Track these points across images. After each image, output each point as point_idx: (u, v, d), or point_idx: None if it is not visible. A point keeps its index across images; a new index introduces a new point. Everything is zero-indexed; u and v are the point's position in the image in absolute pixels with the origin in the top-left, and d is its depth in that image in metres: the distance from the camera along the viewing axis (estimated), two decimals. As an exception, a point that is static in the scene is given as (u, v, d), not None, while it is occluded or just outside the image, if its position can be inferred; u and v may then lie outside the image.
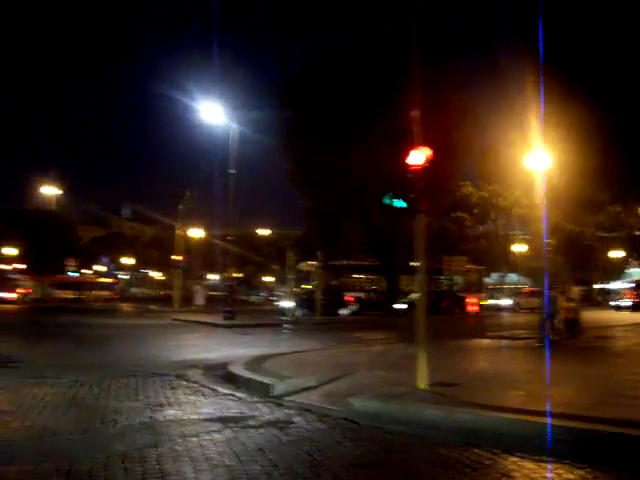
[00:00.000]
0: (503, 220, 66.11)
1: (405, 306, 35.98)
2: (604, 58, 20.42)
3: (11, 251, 69.78)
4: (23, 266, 69.74)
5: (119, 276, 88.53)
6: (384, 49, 32.91)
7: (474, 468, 5.52)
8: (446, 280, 45.16)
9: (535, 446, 6.00)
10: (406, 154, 8.88)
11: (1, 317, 34.04)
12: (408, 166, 8.84)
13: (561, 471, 5.42)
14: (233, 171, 30.25)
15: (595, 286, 71.34)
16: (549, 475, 5.34)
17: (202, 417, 7.59)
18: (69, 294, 61.54)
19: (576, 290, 20.74)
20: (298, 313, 32.83)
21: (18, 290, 59.50)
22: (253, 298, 75.72)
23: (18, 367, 12.35)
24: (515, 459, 5.77)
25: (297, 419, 7.48)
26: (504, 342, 18.63)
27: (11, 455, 5.84)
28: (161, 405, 8.31)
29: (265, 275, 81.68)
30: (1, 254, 70.53)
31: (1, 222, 72.26)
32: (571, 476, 5.29)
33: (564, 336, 18.65)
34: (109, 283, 70.62)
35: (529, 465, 5.57)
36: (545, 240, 20.84)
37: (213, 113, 29.92)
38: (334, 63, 34.50)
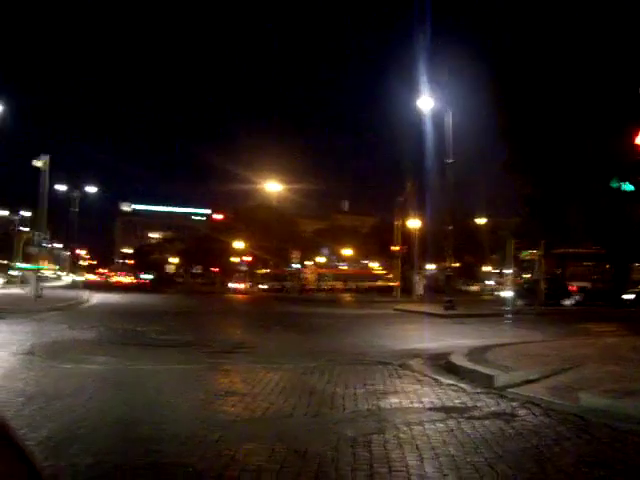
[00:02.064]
0: None
1: (635, 297, 33.74)
2: None
3: (240, 245, 74.71)
4: (249, 258, 74.54)
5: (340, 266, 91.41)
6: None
7: None
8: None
9: None
10: (635, 135, 8.38)
11: (234, 305, 36.57)
12: (638, 147, 8.33)
13: None
14: (450, 160, 30.12)
15: None
16: None
17: (426, 406, 7.71)
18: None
19: None
20: (519, 303, 31.99)
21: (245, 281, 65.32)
22: (472, 288, 74.72)
23: (250, 352, 13.30)
24: None
25: (522, 412, 7.35)
26: None
27: (250, 433, 6.34)
28: (386, 393, 8.54)
29: (484, 265, 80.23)
30: (232, 249, 75.80)
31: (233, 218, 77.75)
32: None
33: None
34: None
35: None
36: None
37: (428, 101, 30.01)
38: (551, 41, 32.93)
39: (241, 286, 72.65)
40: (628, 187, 8.81)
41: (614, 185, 8.99)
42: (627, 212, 27.49)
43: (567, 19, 30.99)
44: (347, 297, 56.89)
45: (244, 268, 79.04)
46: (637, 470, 5.39)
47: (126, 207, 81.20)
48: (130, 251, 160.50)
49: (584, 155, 28.83)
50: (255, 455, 5.54)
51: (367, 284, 70.65)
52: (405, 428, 6.51)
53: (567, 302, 34.59)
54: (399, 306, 34.25)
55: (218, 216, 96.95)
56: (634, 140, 8.36)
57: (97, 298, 39.74)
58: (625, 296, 35.00)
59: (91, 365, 10.91)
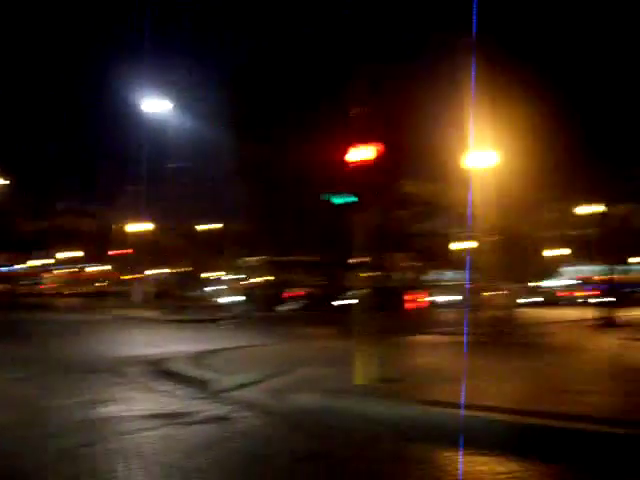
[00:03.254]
0: (445, 218, 67.00)
1: (347, 302, 36.03)
2: (545, 56, 20.87)
3: None
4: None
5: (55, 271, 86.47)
6: (333, 44, 32.91)
7: (414, 462, 5.57)
8: (387, 276, 45.46)
9: (471, 440, 6.06)
10: (348, 150, 8.89)
11: None
12: (350, 162, 8.85)
13: (493, 464, 5.50)
14: (175, 165, 30.10)
15: (534, 284, 72.83)
16: (482, 468, 5.42)
17: (140, 414, 7.45)
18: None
19: (507, 288, 21.19)
20: (241, 309, 32.69)
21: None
22: (196, 293, 74.88)
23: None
24: (450, 453, 5.83)
25: (237, 415, 7.41)
26: (443, 338, 18.87)
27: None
28: (99, 402, 8.13)
29: (209, 270, 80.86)
30: None
31: None
32: (502, 468, 5.37)
33: (495, 332, 19.05)
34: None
35: (463, 458, 5.65)
36: (484, 238, 21.15)
37: (156, 106, 29.64)
38: (281, 56, 34.36)
39: None
40: (339, 200, 9.33)
41: (327, 198, 9.49)
42: (341, 223, 29.27)
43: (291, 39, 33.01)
44: (65, 302, 54.03)
45: None
46: (342, 462, 5.67)
47: None
48: None
49: (302, 167, 30.26)
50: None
51: (87, 288, 67.51)
52: (117, 438, 6.24)
53: (286, 308, 35.95)
54: (119, 312, 33.21)
55: None
56: (343, 156, 8.85)
57: None
58: (339, 302, 37.27)
59: None
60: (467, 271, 22.19)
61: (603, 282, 27.51)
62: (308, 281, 41.97)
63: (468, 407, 6.98)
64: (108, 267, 61.97)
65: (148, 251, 52.10)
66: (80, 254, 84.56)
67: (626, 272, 62.58)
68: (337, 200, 9.37)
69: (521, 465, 5.45)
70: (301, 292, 39.05)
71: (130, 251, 51.23)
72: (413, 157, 41.97)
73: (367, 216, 9.71)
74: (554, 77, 20.81)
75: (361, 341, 8.71)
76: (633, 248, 64.05)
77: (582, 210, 31.54)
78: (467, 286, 19.20)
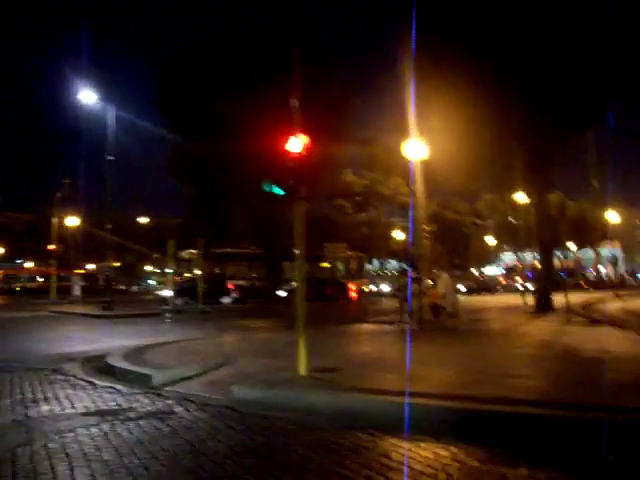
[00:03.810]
0: (385, 208, 67.72)
1: (288, 293, 36.14)
2: (481, 47, 21.25)
3: None
4: None
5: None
6: (268, 36, 32.95)
7: (354, 450, 5.64)
8: (328, 267, 45.69)
9: (412, 426, 6.17)
10: (285, 141, 8.90)
11: None
12: (288, 153, 8.86)
13: (436, 449, 5.62)
14: (112, 158, 29.56)
15: (474, 271, 74.30)
16: (425, 453, 5.52)
17: (79, 411, 7.36)
18: None
19: (446, 276, 21.59)
20: (180, 302, 32.35)
21: None
22: (134, 288, 74.02)
23: None
24: (394, 440, 5.93)
25: (178, 409, 7.40)
26: (383, 327, 19.09)
27: None
28: (36, 401, 8.00)
29: (146, 264, 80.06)
30: None
31: None
32: (446, 453, 5.49)
33: (435, 319, 19.44)
34: None
35: (406, 445, 5.74)
36: (423, 227, 21.45)
37: (90, 97, 29.10)
38: (215, 47, 34.26)
39: None
40: (278, 191, 9.32)
41: (267, 188, 9.43)
42: (280, 214, 29.31)
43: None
44: (1, 299, 52.62)
45: None
46: (283, 453, 5.71)
47: None
48: None
49: (241, 159, 30.15)
50: None
51: (21, 284, 65.74)
52: (56, 437, 6.14)
53: (226, 300, 35.81)
54: (56, 308, 32.56)
55: None
56: (284, 146, 8.86)
57: None
58: (279, 293, 37.35)
59: None
60: (408, 260, 22.48)
61: (539, 268, 28.18)
62: (251, 273, 41.92)
63: (410, 394, 7.10)
64: (46, 262, 60.48)
65: (86, 246, 51.26)
66: (17, 250, 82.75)
67: (562, 258, 64.52)
68: (277, 190, 9.35)
69: (462, 449, 5.58)
70: (244, 284, 38.96)
71: (68, 246, 50.24)
72: (353, 147, 42.40)
73: (307, 206, 9.74)
74: (492, 73, 21.22)
75: (300, 332, 8.74)
76: (568, 235, 65.96)
77: (519, 198, 32.24)
78: (409, 274, 19.48)
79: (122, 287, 65.68)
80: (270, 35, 32.39)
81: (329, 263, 43.41)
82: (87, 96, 29.16)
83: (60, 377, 9.94)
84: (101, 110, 29.95)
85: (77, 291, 47.22)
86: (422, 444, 5.78)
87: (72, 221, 49.71)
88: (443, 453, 5.50)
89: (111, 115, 29.50)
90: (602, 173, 38.51)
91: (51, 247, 48.20)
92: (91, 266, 60.03)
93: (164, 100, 35.71)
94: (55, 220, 48.02)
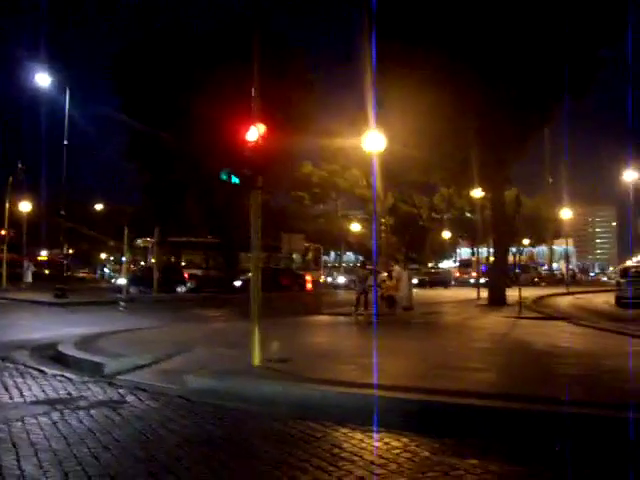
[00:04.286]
0: (344, 200, 68.01)
1: (243, 283, 36.04)
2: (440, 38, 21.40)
3: None
4: None
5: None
6: (228, 25, 32.80)
7: (306, 440, 5.65)
8: (284, 258, 45.66)
9: (365, 418, 6.20)
10: (242, 131, 8.84)
11: None
12: (244, 142, 8.80)
13: (388, 440, 5.66)
14: (66, 142, 29.10)
15: (430, 265, 74.91)
16: (376, 444, 5.56)
17: (28, 400, 7.24)
18: None
19: (399, 269, 21.80)
20: (134, 290, 32.08)
21: None
22: (88, 275, 72.92)
23: None
24: (346, 430, 5.96)
25: (130, 398, 7.32)
26: (339, 318, 19.19)
27: None
28: (-16, 389, 7.85)
29: (101, 252, 78.92)
30: None
31: None
32: (397, 444, 5.54)
33: (391, 312, 19.65)
34: None
35: (358, 435, 5.78)
36: (379, 220, 21.58)
37: (46, 80, 28.61)
38: (175, 35, 33.99)
39: None
40: (235, 180, 9.25)
41: (224, 177, 9.35)
42: (237, 204, 29.19)
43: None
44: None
45: None
46: (235, 443, 5.70)
47: None
48: None
49: (198, 149, 29.97)
50: None
51: None
52: (4, 426, 6.01)
53: (182, 289, 35.57)
54: (6, 295, 31.94)
55: None
56: (242, 135, 8.80)
57: None
58: (235, 283, 37.21)
59: None
60: (365, 252, 22.62)
61: (494, 263, 28.59)
62: (208, 262, 41.67)
63: (363, 386, 7.15)
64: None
65: (40, 232, 50.33)
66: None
67: (516, 254, 65.56)
68: (234, 180, 9.28)
69: (415, 440, 5.63)
70: (200, 273, 38.74)
71: (18, 233, 49.27)
72: (313, 139, 42.36)
73: (263, 196, 9.71)
74: (449, 68, 21.39)
75: (254, 322, 8.72)
76: (524, 231, 66.90)
77: (475, 194, 32.58)
78: (365, 267, 19.63)
79: (79, 274, 64.55)
80: (230, 24, 32.20)
81: (286, 254, 43.39)
82: (42, 79, 28.66)
83: (9, 365, 9.75)
84: (57, 94, 29.47)
85: (29, 278, 46.41)
86: (374, 435, 5.82)
87: (25, 206, 48.76)
88: (395, 444, 5.54)
89: (66, 98, 29.02)
90: (557, 170, 39.25)
91: (1, 232, 47.21)
92: (47, 252, 58.94)
93: (123, 87, 35.36)
94: (7, 205, 47.02)
